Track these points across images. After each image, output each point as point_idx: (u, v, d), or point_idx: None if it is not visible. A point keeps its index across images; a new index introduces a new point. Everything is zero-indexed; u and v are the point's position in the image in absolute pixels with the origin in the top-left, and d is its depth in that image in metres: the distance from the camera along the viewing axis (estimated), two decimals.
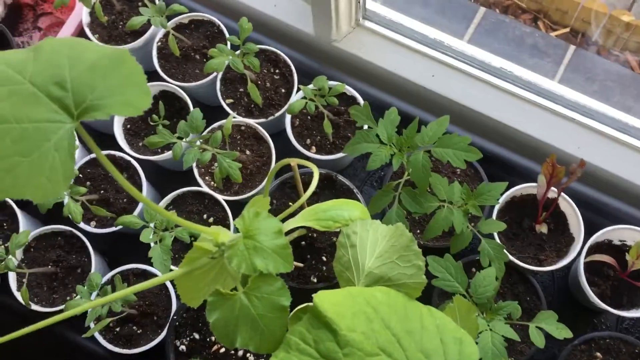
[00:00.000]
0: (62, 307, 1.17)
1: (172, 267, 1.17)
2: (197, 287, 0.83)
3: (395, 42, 1.37)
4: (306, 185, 1.17)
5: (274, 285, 0.74)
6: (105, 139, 1.34)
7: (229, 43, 1.27)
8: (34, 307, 1.19)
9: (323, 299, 0.73)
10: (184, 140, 1.10)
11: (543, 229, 1.18)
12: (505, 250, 1.06)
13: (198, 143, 1.10)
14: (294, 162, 0.91)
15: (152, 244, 1.06)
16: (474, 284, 1.01)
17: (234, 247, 0.73)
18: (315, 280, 1.14)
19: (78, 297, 1.06)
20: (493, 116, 1.32)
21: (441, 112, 1.34)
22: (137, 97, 0.58)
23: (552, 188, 1.12)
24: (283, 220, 0.92)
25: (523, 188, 1.21)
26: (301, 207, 1.00)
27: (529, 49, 1.78)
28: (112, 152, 1.27)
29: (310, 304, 0.74)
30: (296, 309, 0.91)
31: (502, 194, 1.09)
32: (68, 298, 1.20)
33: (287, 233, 0.97)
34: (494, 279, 1.01)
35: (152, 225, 1.05)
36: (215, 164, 1.09)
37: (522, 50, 1.78)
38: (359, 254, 0.86)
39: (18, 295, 1.19)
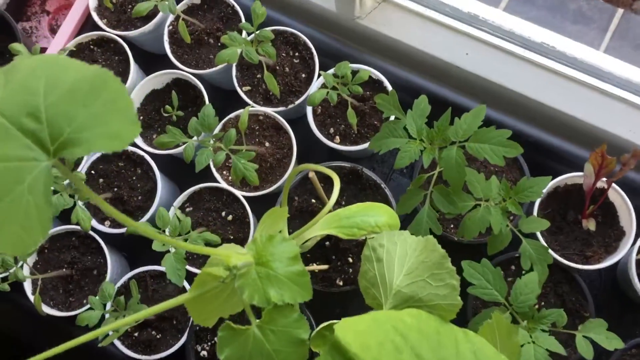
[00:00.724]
0: (79, 311, 1.12)
1: (189, 267, 1.11)
2: (208, 308, 0.76)
3: (425, 18, 1.26)
4: (328, 180, 1.09)
5: (291, 317, 0.66)
6: None
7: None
8: (51, 311, 1.14)
9: (346, 328, 0.67)
10: (195, 139, 1.02)
11: (591, 225, 1.07)
12: (549, 251, 0.97)
13: (211, 142, 1.02)
14: (312, 170, 0.83)
15: (171, 249, 0.99)
16: (514, 291, 0.92)
17: (245, 275, 0.66)
18: (341, 283, 1.07)
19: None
20: (533, 96, 1.21)
21: (475, 93, 1.23)
22: (122, 127, 0.50)
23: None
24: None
25: (568, 178, 1.11)
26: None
27: (572, 15, 1.64)
28: None
29: (336, 321, 0.67)
30: (320, 326, 0.84)
31: None
32: (84, 301, 1.16)
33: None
34: (536, 285, 0.92)
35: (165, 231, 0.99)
36: None
37: (564, 17, 1.64)
38: (386, 270, 0.78)
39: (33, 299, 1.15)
